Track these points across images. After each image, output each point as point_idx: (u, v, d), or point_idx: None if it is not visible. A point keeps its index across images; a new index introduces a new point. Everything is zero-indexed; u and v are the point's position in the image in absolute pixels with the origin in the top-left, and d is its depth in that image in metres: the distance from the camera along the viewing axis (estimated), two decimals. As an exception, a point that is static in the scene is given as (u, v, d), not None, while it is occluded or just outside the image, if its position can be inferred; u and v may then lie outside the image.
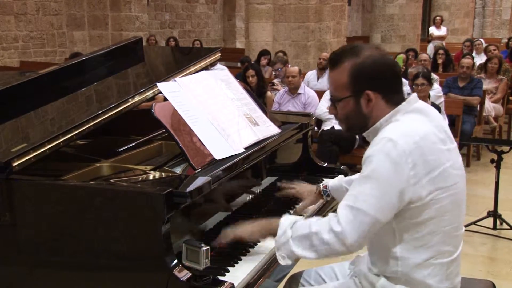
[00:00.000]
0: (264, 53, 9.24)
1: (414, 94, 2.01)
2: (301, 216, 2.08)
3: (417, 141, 1.84)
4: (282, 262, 1.96)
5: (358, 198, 1.86)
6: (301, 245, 1.92)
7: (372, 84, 1.93)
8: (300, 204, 2.54)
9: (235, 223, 2.13)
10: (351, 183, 2.38)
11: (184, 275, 1.76)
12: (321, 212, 2.54)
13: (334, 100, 2.02)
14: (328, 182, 2.52)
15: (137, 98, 2.40)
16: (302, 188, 2.56)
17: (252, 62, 8.12)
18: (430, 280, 1.93)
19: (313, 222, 1.94)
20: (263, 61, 9.05)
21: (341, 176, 2.57)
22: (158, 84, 2.34)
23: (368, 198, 1.84)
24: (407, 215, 1.88)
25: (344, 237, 1.84)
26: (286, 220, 2.00)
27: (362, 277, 2.08)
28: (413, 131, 1.87)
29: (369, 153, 1.89)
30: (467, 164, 6.97)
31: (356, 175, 2.39)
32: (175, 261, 1.78)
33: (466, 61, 7.30)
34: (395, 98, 1.96)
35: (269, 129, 2.56)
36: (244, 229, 2.08)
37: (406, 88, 6.65)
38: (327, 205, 2.59)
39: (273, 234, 2.01)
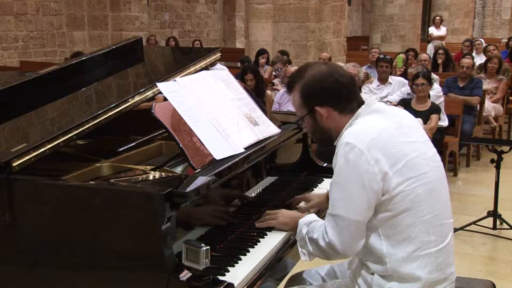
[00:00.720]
0: (261, 52, 9.24)
1: (372, 97, 2.08)
2: (317, 218, 2.14)
3: (374, 137, 1.91)
4: (303, 258, 2.09)
5: (334, 205, 1.96)
6: (313, 246, 2.04)
7: (319, 100, 2.04)
8: (307, 204, 2.54)
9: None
10: None
11: (184, 275, 1.76)
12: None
13: (299, 119, 2.19)
14: None
15: (137, 98, 2.40)
16: (311, 194, 2.64)
17: (250, 66, 8.11)
18: (419, 272, 1.95)
19: (317, 227, 2.04)
20: (262, 60, 9.04)
21: None
22: (158, 84, 2.34)
23: (340, 203, 1.94)
24: (382, 209, 1.94)
25: (333, 245, 1.95)
26: (304, 219, 2.13)
27: (359, 276, 2.09)
28: (368, 129, 1.95)
29: (334, 162, 1.99)
30: (467, 164, 6.97)
31: None
32: (175, 261, 1.78)
33: (466, 61, 7.30)
34: (349, 107, 2.05)
35: (269, 129, 2.56)
36: (281, 219, 2.24)
37: (405, 88, 6.66)
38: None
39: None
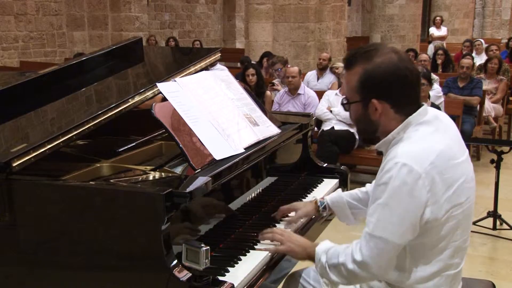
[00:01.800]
0: (266, 54, 9.20)
1: (425, 105, 1.94)
2: (333, 244, 2.04)
3: (433, 161, 1.80)
4: None
5: (378, 226, 1.83)
6: (336, 274, 1.94)
7: (379, 93, 1.87)
8: (295, 214, 2.44)
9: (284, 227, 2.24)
10: (353, 196, 2.38)
11: (184, 275, 1.76)
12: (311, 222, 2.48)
13: (347, 102, 1.98)
14: (327, 196, 2.50)
15: (137, 98, 2.40)
16: (298, 203, 2.51)
17: (253, 62, 8.12)
18: None
19: (341, 251, 1.94)
20: (266, 63, 9.01)
21: (339, 190, 2.55)
22: (158, 84, 2.34)
23: (388, 225, 1.82)
24: (421, 234, 1.86)
25: (366, 266, 1.86)
26: (321, 247, 2.02)
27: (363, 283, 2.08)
28: (428, 151, 1.82)
29: (384, 180, 1.83)
30: (467, 164, 6.96)
31: (357, 190, 2.40)
32: (175, 261, 1.78)
33: (466, 61, 7.30)
34: (406, 109, 1.89)
35: (269, 129, 2.56)
36: (290, 245, 2.09)
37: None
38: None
39: (312, 258, 2.04)
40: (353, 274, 1.89)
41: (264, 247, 2.12)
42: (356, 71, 1.90)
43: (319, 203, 2.45)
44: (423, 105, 1.93)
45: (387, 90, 1.87)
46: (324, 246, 2.01)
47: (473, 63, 7.71)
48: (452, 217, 1.85)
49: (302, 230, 2.41)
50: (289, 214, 2.45)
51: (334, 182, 2.89)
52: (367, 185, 2.37)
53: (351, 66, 1.92)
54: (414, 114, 1.89)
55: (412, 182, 1.78)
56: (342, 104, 2.01)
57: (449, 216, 1.84)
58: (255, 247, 2.13)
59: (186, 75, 2.65)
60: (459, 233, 1.90)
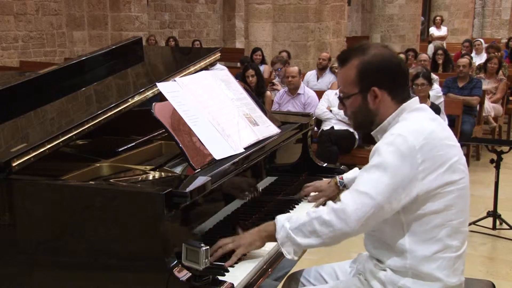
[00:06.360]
0: (255, 50, 9.26)
1: (416, 97, 2.06)
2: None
3: (426, 137, 1.90)
4: (288, 256, 1.99)
5: (365, 183, 1.90)
6: (302, 234, 1.94)
7: (378, 81, 1.97)
8: (317, 193, 2.57)
9: (233, 234, 2.08)
10: None
11: (183, 275, 1.76)
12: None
13: (343, 97, 2.06)
14: (344, 174, 2.61)
15: (136, 98, 2.40)
16: (320, 182, 2.66)
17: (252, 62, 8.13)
18: (438, 274, 1.96)
19: (311, 210, 1.99)
20: (255, 57, 9.06)
21: (356, 168, 2.61)
22: (157, 84, 2.34)
23: (376, 184, 1.88)
24: (414, 206, 1.92)
25: (345, 214, 1.87)
26: (282, 216, 2.05)
27: (368, 272, 2.09)
28: (422, 128, 1.92)
29: (379, 146, 1.93)
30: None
31: None
32: (175, 261, 1.78)
33: (462, 60, 7.35)
34: (400, 96, 2.00)
35: (269, 129, 2.56)
36: (243, 240, 2.04)
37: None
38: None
39: (273, 236, 2.02)
40: (329, 225, 1.89)
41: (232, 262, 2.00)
42: (352, 65, 1.99)
43: (339, 183, 2.57)
44: (414, 96, 2.05)
45: (385, 77, 1.98)
46: (285, 215, 2.06)
47: (470, 62, 7.71)
48: (445, 193, 1.91)
49: None
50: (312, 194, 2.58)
51: (334, 182, 2.89)
52: None
53: (346, 61, 2.02)
54: (408, 102, 2.00)
55: (405, 151, 1.87)
56: (339, 99, 2.08)
57: (442, 192, 1.91)
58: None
59: (186, 75, 2.65)
60: (454, 212, 1.94)
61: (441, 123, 2.02)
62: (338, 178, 2.59)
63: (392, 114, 1.99)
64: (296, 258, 2.01)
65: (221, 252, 2.00)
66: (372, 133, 2.08)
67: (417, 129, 1.92)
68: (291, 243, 1.97)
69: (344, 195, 1.94)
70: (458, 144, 2.02)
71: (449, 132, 2.01)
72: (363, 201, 1.87)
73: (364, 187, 1.90)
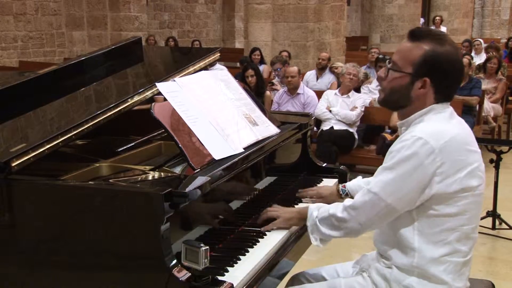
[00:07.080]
0: (253, 50, 9.26)
1: (449, 106, 2.04)
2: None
3: (447, 140, 1.89)
4: (314, 243, 2.13)
5: (377, 185, 1.94)
6: (326, 225, 2.08)
7: (434, 75, 1.95)
8: (317, 201, 2.57)
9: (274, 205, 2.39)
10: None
11: (183, 275, 1.76)
12: None
13: (391, 67, 2.01)
14: (347, 183, 2.63)
15: (136, 98, 2.40)
16: (322, 188, 2.67)
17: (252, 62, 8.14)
18: (444, 276, 1.96)
19: (332, 206, 2.10)
20: (254, 57, 9.05)
21: (360, 177, 2.62)
22: (157, 84, 2.34)
23: (387, 186, 1.92)
24: (428, 206, 1.93)
25: (355, 210, 1.98)
26: (313, 205, 2.19)
27: (373, 270, 2.10)
28: (445, 130, 1.92)
29: (397, 147, 1.93)
30: (466, 164, 6.96)
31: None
32: (174, 261, 1.78)
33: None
34: (443, 98, 1.99)
35: (268, 129, 2.56)
36: (285, 214, 2.26)
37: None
38: None
39: (305, 220, 2.17)
40: (343, 222, 2.02)
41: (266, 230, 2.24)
42: (422, 47, 1.94)
43: (341, 191, 2.58)
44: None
45: (441, 75, 1.96)
46: (317, 204, 2.19)
47: (470, 62, 7.70)
48: (460, 198, 1.91)
49: None
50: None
51: (333, 182, 2.89)
52: None
53: (419, 39, 1.96)
54: (439, 104, 1.99)
55: (423, 154, 1.87)
56: (386, 67, 2.03)
57: (458, 197, 1.91)
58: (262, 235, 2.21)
59: (185, 75, 2.64)
60: (466, 217, 1.95)
61: (466, 128, 2.02)
62: (340, 186, 2.60)
63: (422, 110, 1.98)
64: (321, 245, 2.13)
65: (266, 217, 2.27)
66: (398, 123, 2.09)
67: (439, 131, 1.91)
68: (317, 232, 2.10)
69: (358, 195, 2.02)
70: (479, 151, 2.01)
71: (472, 138, 2.01)
72: (373, 200, 1.94)
73: (375, 188, 1.95)
